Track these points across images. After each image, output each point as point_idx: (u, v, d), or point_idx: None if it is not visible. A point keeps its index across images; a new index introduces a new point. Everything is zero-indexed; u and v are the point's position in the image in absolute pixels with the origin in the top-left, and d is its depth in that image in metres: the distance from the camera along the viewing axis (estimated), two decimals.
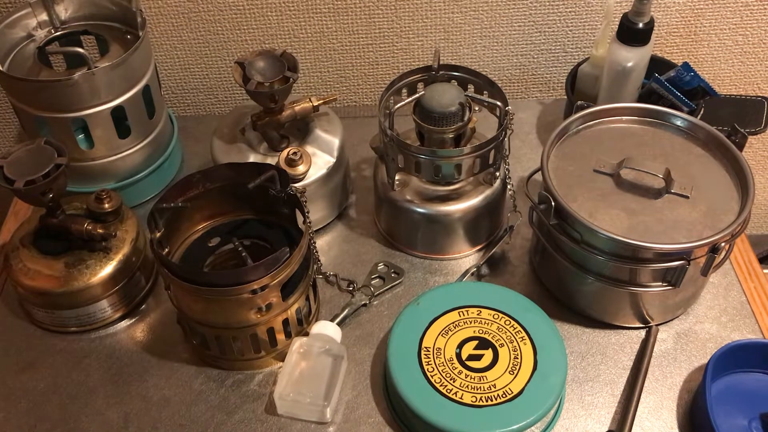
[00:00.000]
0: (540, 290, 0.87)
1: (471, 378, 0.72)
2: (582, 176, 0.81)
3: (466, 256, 0.91)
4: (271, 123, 0.88)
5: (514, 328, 0.76)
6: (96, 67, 0.84)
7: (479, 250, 0.92)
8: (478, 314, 0.78)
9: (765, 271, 0.90)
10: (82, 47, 0.92)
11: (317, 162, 0.88)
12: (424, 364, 0.73)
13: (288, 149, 0.86)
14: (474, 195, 0.87)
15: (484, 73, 0.86)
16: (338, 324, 0.82)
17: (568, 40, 1.12)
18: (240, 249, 0.79)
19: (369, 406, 0.77)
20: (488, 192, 0.87)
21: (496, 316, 0.77)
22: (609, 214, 0.76)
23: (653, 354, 0.81)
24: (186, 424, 0.76)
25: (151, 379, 0.80)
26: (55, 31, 0.94)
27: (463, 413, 0.70)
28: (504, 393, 0.71)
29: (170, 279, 0.72)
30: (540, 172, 0.80)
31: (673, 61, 1.03)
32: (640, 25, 0.91)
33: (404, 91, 0.88)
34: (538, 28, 1.10)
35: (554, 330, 0.76)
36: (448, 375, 0.72)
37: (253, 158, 0.88)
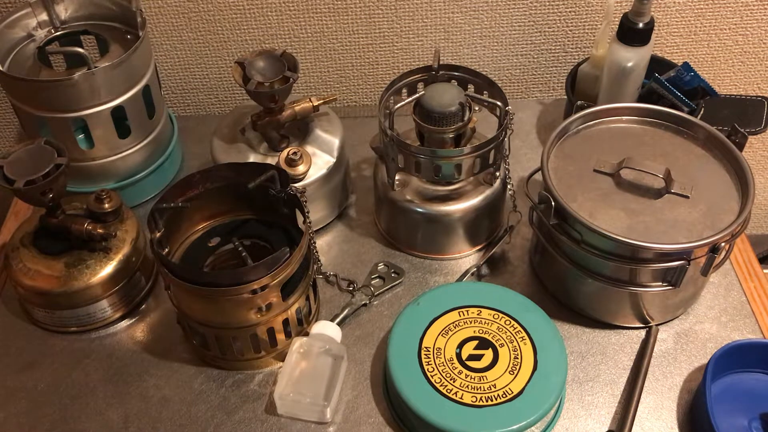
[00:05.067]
0: (540, 290, 0.87)
1: (471, 378, 0.72)
2: (582, 176, 0.81)
3: (466, 256, 0.91)
4: (271, 123, 0.88)
5: (514, 328, 0.76)
6: (96, 67, 0.84)
7: (479, 250, 0.92)
8: (478, 314, 0.78)
9: (765, 271, 0.90)
10: (82, 47, 0.92)
11: (317, 162, 0.88)
12: (424, 364, 0.73)
13: (288, 149, 0.86)
14: (474, 195, 0.87)
15: (484, 73, 0.86)
16: (338, 324, 0.82)
17: (568, 40, 1.12)
18: (240, 249, 0.79)
19: (369, 406, 0.77)
20: (488, 192, 0.87)
21: (496, 316, 0.77)
22: (609, 214, 0.76)
23: (653, 354, 0.81)
24: (186, 424, 0.76)
25: (151, 379, 0.80)
26: (55, 31, 0.94)
27: (463, 413, 0.70)
28: (504, 393, 0.71)
29: (170, 279, 0.72)
30: (540, 172, 0.80)
31: (673, 61, 1.03)
32: (640, 25, 0.91)
33: (404, 91, 0.88)
34: (538, 28, 1.10)
35: (554, 330, 0.76)
36: (448, 375, 0.72)
37: (253, 158, 0.88)
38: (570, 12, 1.08)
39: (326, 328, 0.79)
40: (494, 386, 0.71)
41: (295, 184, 0.82)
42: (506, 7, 1.07)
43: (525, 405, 0.70)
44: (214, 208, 0.83)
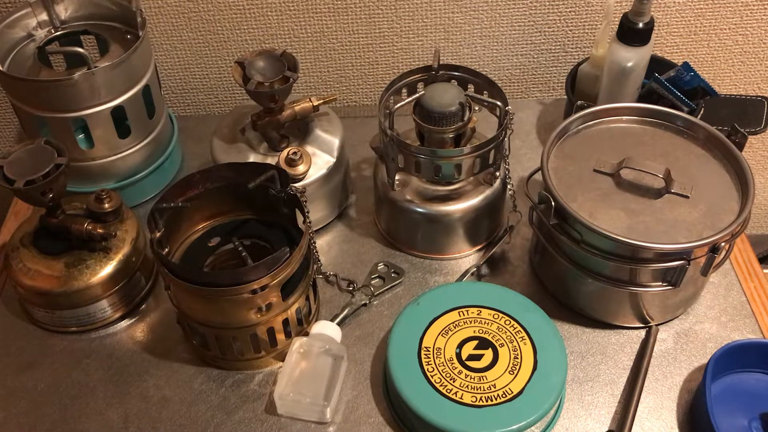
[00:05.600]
0: (540, 290, 0.87)
1: (471, 378, 0.72)
2: (582, 176, 0.81)
3: (466, 256, 0.91)
4: (271, 123, 0.88)
5: (514, 328, 0.76)
6: (96, 67, 0.84)
7: (479, 250, 0.92)
8: (478, 314, 0.78)
9: (765, 271, 0.90)
10: (82, 47, 0.92)
11: (317, 162, 0.89)
12: (424, 364, 0.73)
13: (288, 149, 0.86)
14: (474, 195, 0.87)
15: (484, 73, 0.86)
16: (338, 324, 0.82)
17: (568, 40, 1.12)
18: (240, 249, 0.79)
19: (369, 406, 0.77)
20: (488, 192, 0.87)
21: (496, 316, 0.77)
22: (609, 214, 0.76)
23: (653, 354, 0.81)
24: (186, 424, 0.76)
25: (151, 379, 0.80)
26: (55, 31, 0.94)
27: (463, 413, 0.70)
28: (504, 393, 0.71)
29: (170, 279, 0.72)
30: (540, 172, 0.80)
31: (673, 61, 1.03)
32: (640, 25, 0.91)
33: (404, 91, 0.88)
34: (538, 28, 1.10)
35: (554, 330, 0.76)
36: (448, 375, 0.72)
37: (253, 158, 0.88)
38: (570, 12, 1.08)
39: (326, 328, 0.79)
40: (494, 386, 0.71)
41: (295, 184, 0.82)
42: (506, 7, 1.07)
43: (525, 405, 0.70)
44: (214, 208, 0.83)
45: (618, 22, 0.93)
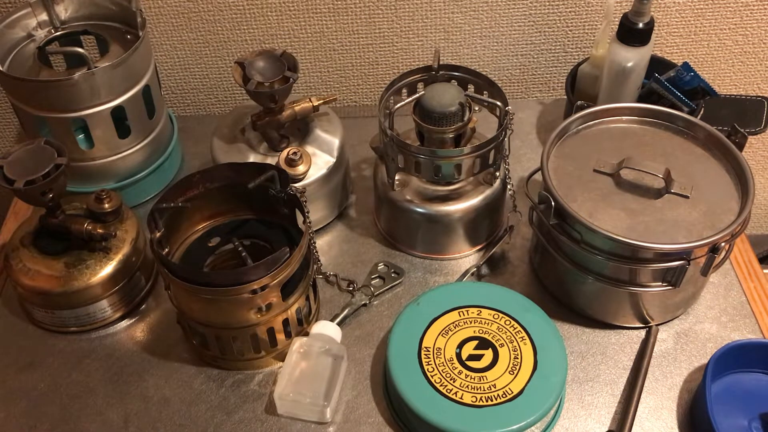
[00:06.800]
0: (540, 290, 0.87)
1: (471, 378, 0.72)
2: (582, 176, 0.81)
3: (466, 256, 0.91)
4: (271, 123, 0.88)
5: (514, 328, 0.76)
6: (96, 67, 0.84)
7: (479, 250, 0.92)
8: (478, 314, 0.78)
9: (765, 271, 0.90)
10: (82, 47, 0.92)
11: (317, 162, 0.89)
12: (424, 364, 0.73)
13: (288, 149, 0.86)
14: (474, 195, 0.87)
15: (484, 73, 0.86)
16: (338, 324, 0.82)
17: (568, 40, 1.12)
18: (240, 249, 0.79)
19: (369, 406, 0.77)
20: (488, 192, 0.87)
21: (496, 316, 0.77)
22: (609, 214, 0.76)
23: (653, 354, 0.81)
24: (186, 424, 0.76)
25: (151, 379, 0.80)
26: (55, 31, 0.94)
27: (463, 413, 0.70)
28: (504, 393, 0.71)
29: (170, 279, 0.72)
30: (540, 172, 0.80)
31: (673, 61, 1.03)
32: (640, 25, 0.91)
33: (404, 91, 0.88)
34: (538, 28, 1.10)
35: (554, 330, 0.76)
36: (448, 375, 0.72)
37: (253, 158, 0.88)
38: (570, 12, 1.08)
39: (326, 328, 0.79)
40: (494, 386, 0.72)
41: (295, 184, 0.82)
42: (506, 7, 1.07)
43: (525, 405, 0.70)
44: (214, 208, 0.83)
45: (618, 22, 0.93)
